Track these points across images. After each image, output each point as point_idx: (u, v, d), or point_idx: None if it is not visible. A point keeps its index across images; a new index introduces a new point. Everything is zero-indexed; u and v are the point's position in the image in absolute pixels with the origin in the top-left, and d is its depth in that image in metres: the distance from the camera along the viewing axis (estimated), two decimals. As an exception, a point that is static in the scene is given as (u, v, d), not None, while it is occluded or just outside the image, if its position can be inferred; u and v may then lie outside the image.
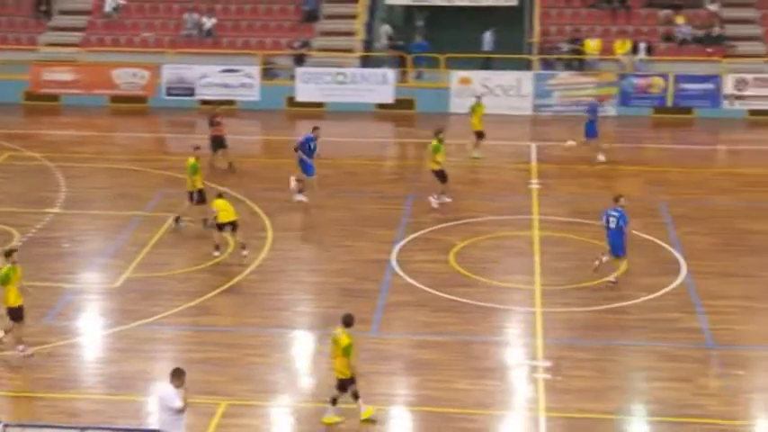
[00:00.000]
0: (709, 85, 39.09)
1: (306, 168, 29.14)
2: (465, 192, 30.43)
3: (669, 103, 39.25)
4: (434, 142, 28.98)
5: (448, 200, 29.15)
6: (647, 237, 27.08)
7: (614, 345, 21.81)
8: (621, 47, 40.41)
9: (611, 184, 31.68)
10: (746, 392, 19.92)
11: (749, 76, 38.94)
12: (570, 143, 33.37)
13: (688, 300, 23.67)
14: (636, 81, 39.45)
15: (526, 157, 34.15)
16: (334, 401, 18.70)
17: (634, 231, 27.24)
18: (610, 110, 39.33)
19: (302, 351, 21.95)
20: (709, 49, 40.45)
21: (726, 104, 38.99)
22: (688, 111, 39.26)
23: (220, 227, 25.57)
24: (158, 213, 28.65)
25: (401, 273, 25.01)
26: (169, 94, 40.24)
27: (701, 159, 34.37)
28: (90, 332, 22.46)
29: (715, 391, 20.04)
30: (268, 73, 40.81)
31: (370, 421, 18.64)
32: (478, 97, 34.98)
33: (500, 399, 19.86)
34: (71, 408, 19.29)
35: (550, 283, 24.48)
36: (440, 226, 27.94)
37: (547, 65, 40.84)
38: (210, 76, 40.02)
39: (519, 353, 21.52)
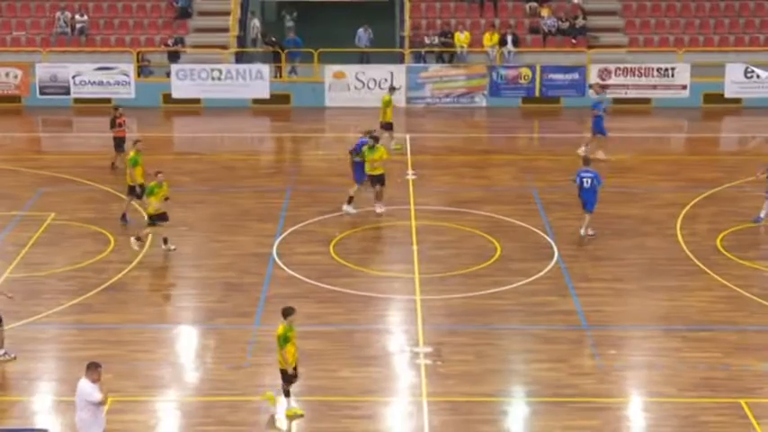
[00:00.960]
0: (575, 75, 40.20)
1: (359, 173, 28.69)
2: (342, 184, 30.78)
3: (537, 93, 40.23)
4: (365, 147, 28.19)
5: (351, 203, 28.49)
6: (521, 223, 27.86)
7: (492, 329, 22.46)
8: (489, 39, 41.28)
9: (483, 173, 32.46)
10: (618, 370, 20.72)
11: (612, 66, 40.13)
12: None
13: (562, 283, 24.47)
14: (504, 72, 40.35)
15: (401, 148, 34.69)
16: (286, 393, 18.96)
17: (508, 218, 28.13)
18: (480, 101, 40.20)
19: (187, 346, 22.11)
20: (573, 41, 41.61)
21: (591, 93, 40.14)
22: (555, 100, 40.31)
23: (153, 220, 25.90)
24: (37, 212, 28.46)
25: (283, 265, 25.32)
26: (43, 94, 39.78)
27: (570, 147, 35.27)
28: (-29, 334, 22.29)
29: (589, 370, 20.81)
30: (143, 70, 40.69)
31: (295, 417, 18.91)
32: (392, 89, 35.49)
33: (384, 386, 20.30)
34: (-44, 410, 19.23)
35: (429, 271, 25.05)
36: (319, 218, 28.30)
37: (418, 58, 41.52)
38: (85, 75, 39.70)
39: (401, 340, 22.01)
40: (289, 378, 18.91)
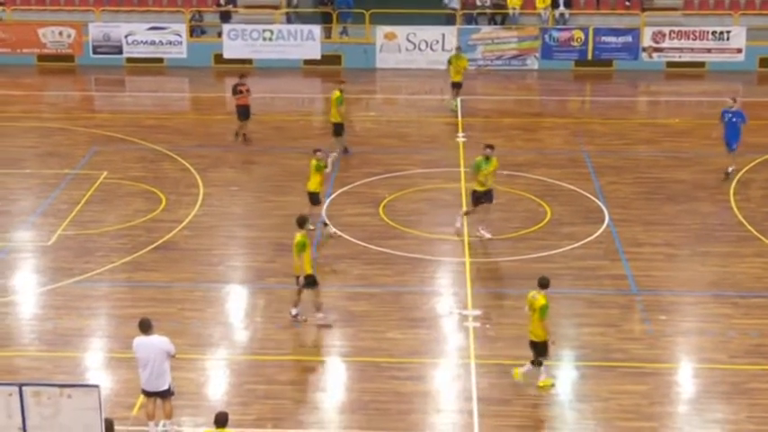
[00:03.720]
0: (628, 38, 39.77)
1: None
2: (392, 146, 30.83)
3: (590, 55, 39.87)
4: (479, 158, 24.52)
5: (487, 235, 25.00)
6: (572, 187, 27.71)
7: (541, 293, 22.42)
8: (542, 1, 40.90)
9: (534, 136, 32.29)
10: (668, 336, 20.65)
11: (666, 29, 39.66)
12: None
13: (612, 247, 24.34)
14: (557, 35, 40.01)
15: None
16: (539, 363, 18.85)
17: (559, 182, 27.99)
18: (532, 63, 39.92)
19: (237, 305, 22.26)
20: (627, 3, 41.14)
21: (644, 57, 39.73)
22: (608, 63, 39.93)
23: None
24: (89, 171, 28.69)
25: (332, 226, 25.37)
26: (96, 53, 39.98)
27: (623, 111, 35.04)
28: (25, 290, 22.58)
29: (639, 335, 20.75)
30: (195, 30, 40.76)
31: (547, 388, 18.89)
32: (458, 49, 35.35)
33: (432, 347, 20.37)
34: (8, 365, 19.46)
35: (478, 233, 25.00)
36: (368, 180, 28.29)
37: (470, 20, 41.24)
38: (137, 34, 39.83)
39: (449, 302, 22.03)
40: (544, 350, 18.72)
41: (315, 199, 24.77)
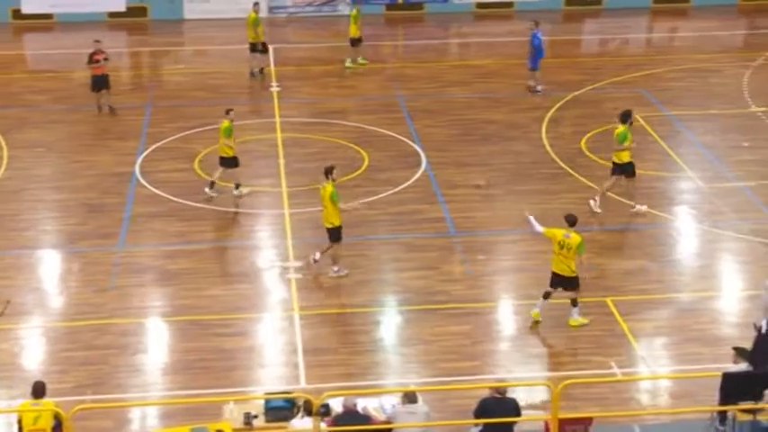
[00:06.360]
0: (438, -19, 39.89)
1: None
2: (205, 98, 30.23)
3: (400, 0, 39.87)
4: (623, 127, 23.07)
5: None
6: (388, 132, 27.69)
7: (362, 240, 22.36)
8: (350, -54, 40.59)
9: (348, 83, 32.11)
10: (488, 275, 20.95)
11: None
12: None
13: (430, 191, 24.45)
14: (367, -21, 39.81)
15: (264, 60, 34.05)
16: (574, 302, 19.04)
17: (375, 128, 27.96)
18: (343, 9, 39.66)
19: (49, 271, 21.55)
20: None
21: (454, -1, 39.92)
22: (419, 6, 40.00)
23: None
24: None
25: (146, 183, 24.76)
26: None
27: (434, 54, 35.14)
28: None
29: (459, 276, 20.96)
30: (-11, -15, 39.06)
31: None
32: (357, 3, 34.65)
33: (255, 302, 20.18)
34: None
35: (296, 184, 24.75)
36: (182, 134, 27.65)
37: (279, -34, 40.67)
38: (-75, -11, 37.94)
39: (270, 255, 21.81)
40: (577, 285, 18.95)
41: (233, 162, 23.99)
